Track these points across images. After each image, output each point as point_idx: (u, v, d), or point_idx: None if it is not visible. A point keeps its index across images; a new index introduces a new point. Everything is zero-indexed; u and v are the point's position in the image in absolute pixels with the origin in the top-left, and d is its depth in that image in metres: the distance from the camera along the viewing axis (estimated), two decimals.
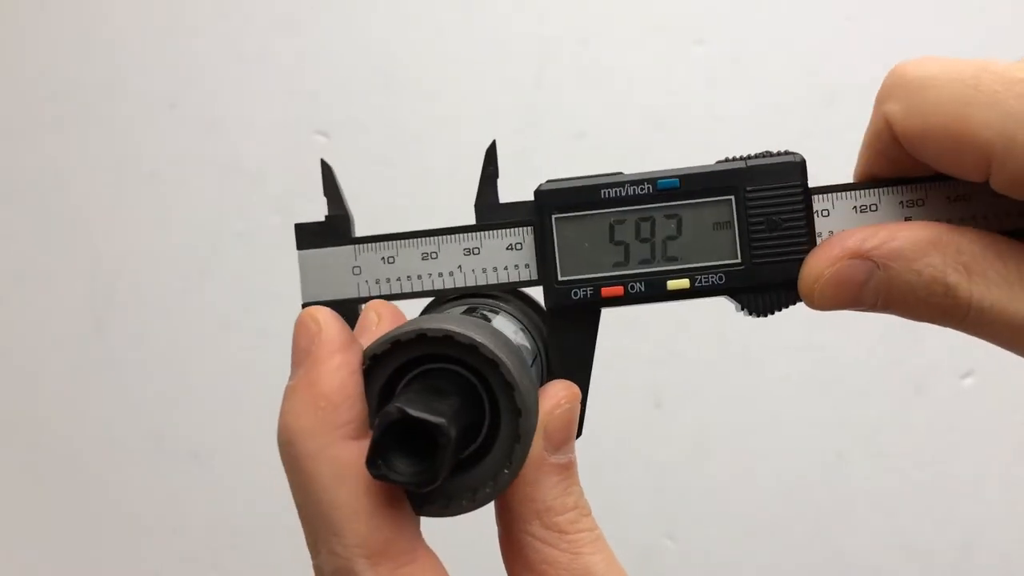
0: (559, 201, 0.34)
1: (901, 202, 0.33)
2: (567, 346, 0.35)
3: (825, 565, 0.84)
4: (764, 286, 0.33)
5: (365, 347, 0.30)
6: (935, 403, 0.84)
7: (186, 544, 0.92)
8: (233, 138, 0.91)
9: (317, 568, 0.28)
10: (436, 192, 0.87)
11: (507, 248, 0.35)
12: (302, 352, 0.30)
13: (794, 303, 0.33)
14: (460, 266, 0.36)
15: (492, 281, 0.35)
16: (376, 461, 0.26)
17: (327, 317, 0.30)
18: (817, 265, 0.32)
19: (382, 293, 0.36)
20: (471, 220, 0.36)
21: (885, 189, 0.33)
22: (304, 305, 0.36)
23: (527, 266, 0.35)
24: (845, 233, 0.31)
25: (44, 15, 0.95)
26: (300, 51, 0.91)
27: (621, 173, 0.34)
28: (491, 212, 0.35)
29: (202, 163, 0.91)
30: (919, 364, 0.84)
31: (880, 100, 0.31)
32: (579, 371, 0.35)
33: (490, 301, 0.38)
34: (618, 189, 0.34)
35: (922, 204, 0.32)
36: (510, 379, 0.28)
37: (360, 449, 0.27)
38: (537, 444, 0.30)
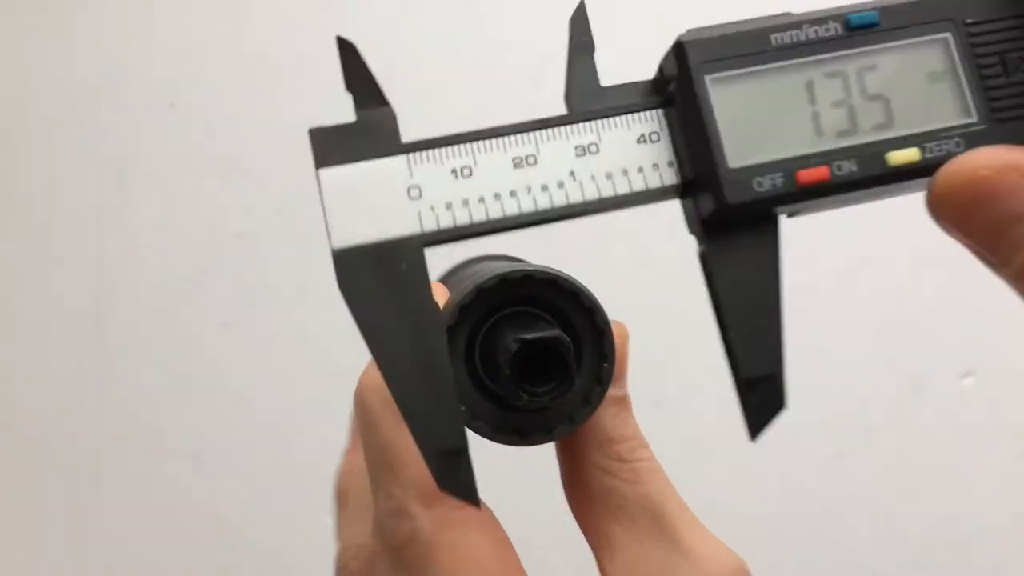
0: (713, 55, 0.26)
1: None
2: (741, 275, 0.25)
3: (825, 565, 0.84)
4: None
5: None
6: (935, 403, 0.84)
7: (186, 544, 0.92)
8: (233, 138, 0.91)
9: (377, 513, 0.30)
10: None
11: (637, 141, 0.26)
12: None
13: None
14: (572, 172, 0.25)
15: (622, 191, 0.26)
16: (520, 394, 0.28)
17: None
18: (972, 161, 0.23)
19: (457, 224, 0.25)
20: None
21: None
22: (335, 252, 0.24)
23: (657, 166, 0.26)
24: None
25: (43, 14, 0.95)
26: (300, 51, 0.90)
27: (789, 13, 0.26)
28: (591, 98, 0.27)
29: (202, 163, 0.91)
30: (919, 364, 0.84)
31: None
32: (762, 306, 0.26)
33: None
34: (795, 32, 0.25)
35: None
36: (589, 304, 0.30)
37: None
38: None
